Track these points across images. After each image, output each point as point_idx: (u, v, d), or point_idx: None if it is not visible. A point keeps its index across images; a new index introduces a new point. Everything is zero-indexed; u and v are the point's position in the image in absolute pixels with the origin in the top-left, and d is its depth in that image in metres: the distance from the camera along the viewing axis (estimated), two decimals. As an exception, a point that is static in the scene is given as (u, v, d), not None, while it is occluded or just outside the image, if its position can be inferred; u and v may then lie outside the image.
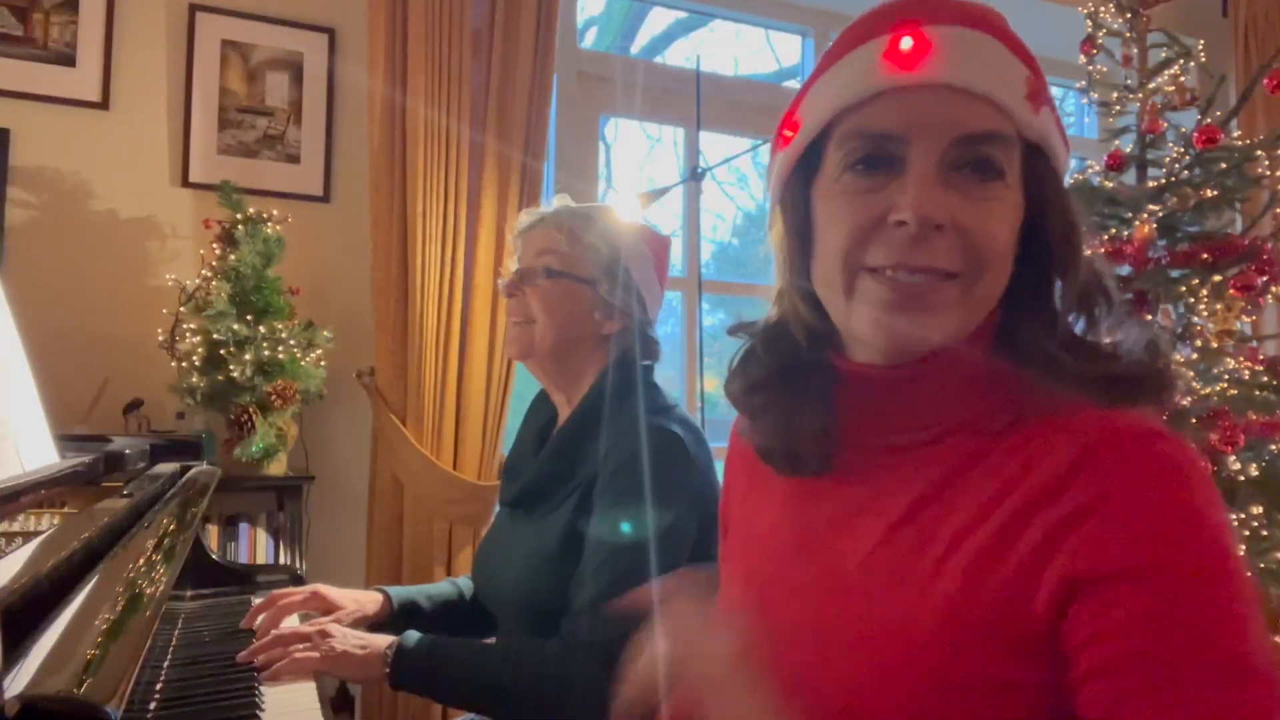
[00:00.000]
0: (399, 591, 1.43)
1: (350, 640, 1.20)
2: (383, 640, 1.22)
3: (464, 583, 1.51)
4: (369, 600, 1.38)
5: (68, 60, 2.25)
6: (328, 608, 1.33)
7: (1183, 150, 2.22)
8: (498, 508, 1.46)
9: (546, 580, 1.25)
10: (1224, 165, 2.16)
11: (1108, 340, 0.71)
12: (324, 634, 1.19)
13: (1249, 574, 0.59)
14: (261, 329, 2.13)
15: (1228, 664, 0.56)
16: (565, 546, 1.24)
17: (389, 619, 1.39)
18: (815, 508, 0.77)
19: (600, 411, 1.31)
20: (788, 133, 0.76)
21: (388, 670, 1.18)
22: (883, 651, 0.66)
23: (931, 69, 0.67)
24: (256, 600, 1.44)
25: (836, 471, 0.76)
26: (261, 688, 1.09)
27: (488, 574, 1.42)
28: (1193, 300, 2.11)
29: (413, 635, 1.22)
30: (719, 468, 1.02)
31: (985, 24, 0.69)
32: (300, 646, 1.16)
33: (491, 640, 1.39)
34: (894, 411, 0.73)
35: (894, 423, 0.73)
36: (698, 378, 2.81)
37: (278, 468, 2.20)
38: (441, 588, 1.49)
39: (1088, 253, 0.71)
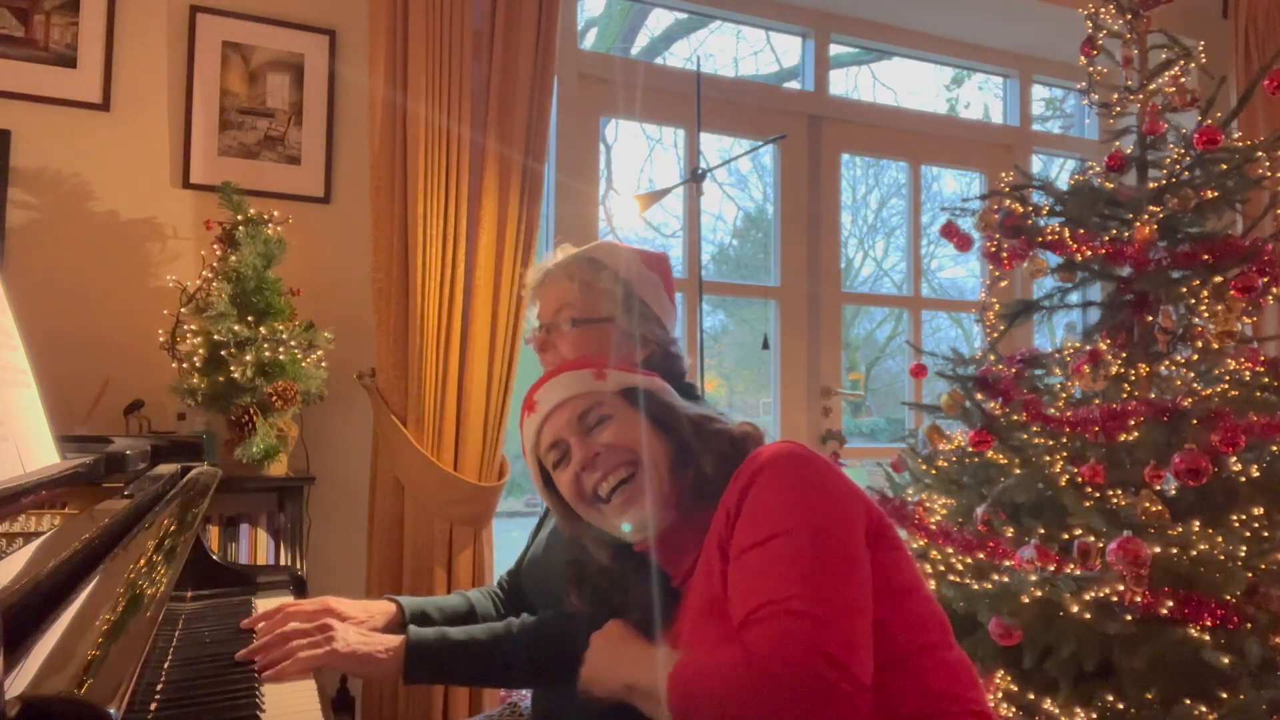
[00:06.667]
0: (410, 602, 1.43)
1: (353, 635, 1.21)
2: (389, 637, 1.23)
3: (475, 596, 1.51)
4: (379, 611, 1.38)
5: (68, 61, 2.25)
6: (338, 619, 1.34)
7: (1183, 151, 2.22)
8: (544, 532, 1.49)
9: None
10: (1224, 166, 2.16)
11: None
12: (325, 628, 1.20)
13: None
14: (262, 330, 2.13)
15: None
16: None
17: (399, 629, 1.39)
18: None
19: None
20: None
21: (402, 657, 1.20)
22: None
23: None
24: (257, 601, 1.44)
25: None
26: (262, 688, 1.09)
27: (543, 566, 1.44)
28: (1193, 301, 2.11)
29: (418, 629, 1.24)
30: None
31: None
32: (302, 643, 1.16)
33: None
34: None
35: None
36: (698, 379, 2.81)
37: (278, 469, 2.20)
38: (452, 600, 1.49)
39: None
